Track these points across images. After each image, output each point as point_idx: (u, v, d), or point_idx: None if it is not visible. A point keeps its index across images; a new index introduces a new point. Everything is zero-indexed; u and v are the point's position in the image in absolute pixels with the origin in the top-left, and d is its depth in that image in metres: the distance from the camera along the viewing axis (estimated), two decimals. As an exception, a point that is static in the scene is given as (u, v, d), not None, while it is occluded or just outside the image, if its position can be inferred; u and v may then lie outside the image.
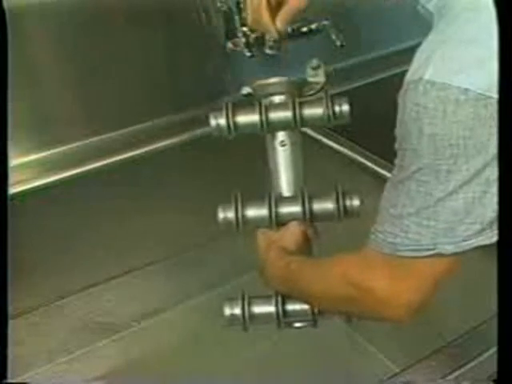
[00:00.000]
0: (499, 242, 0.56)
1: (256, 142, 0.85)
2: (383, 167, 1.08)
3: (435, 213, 0.59)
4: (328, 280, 0.70)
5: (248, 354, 1.18)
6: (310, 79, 0.84)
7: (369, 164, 1.11)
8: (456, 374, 0.70)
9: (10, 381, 0.59)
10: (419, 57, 0.59)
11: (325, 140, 1.19)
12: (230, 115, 0.79)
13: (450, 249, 0.59)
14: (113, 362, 1.26)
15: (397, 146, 0.62)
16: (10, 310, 0.58)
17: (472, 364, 0.71)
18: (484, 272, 0.68)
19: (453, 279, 0.63)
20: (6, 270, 0.57)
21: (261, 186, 0.84)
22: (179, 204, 1.26)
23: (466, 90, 0.54)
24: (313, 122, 0.81)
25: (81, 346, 1.26)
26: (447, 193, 0.58)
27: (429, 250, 0.60)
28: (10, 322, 0.58)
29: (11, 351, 0.57)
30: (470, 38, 0.56)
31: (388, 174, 1.04)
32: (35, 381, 1.20)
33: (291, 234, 0.80)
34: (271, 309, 0.79)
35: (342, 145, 1.17)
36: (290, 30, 1.19)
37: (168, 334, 1.30)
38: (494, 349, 0.67)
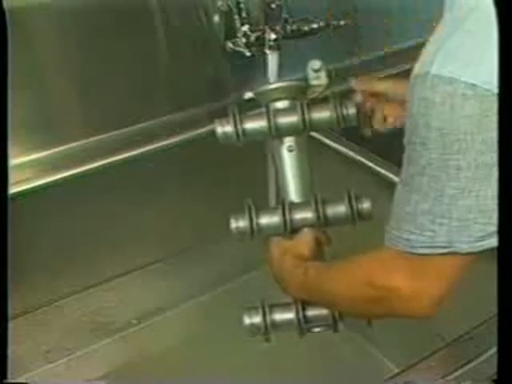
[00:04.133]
0: (499, 243, 0.56)
1: (255, 143, 0.85)
2: (388, 169, 1.07)
3: (448, 211, 0.58)
4: (349, 284, 0.70)
5: (248, 354, 1.18)
6: (313, 82, 0.83)
7: (372, 165, 1.11)
8: (456, 374, 0.70)
9: (10, 381, 0.59)
10: (428, 49, 0.59)
11: (329, 142, 1.19)
12: (238, 122, 0.79)
13: (465, 248, 0.59)
14: (113, 362, 1.26)
15: (405, 140, 0.61)
16: (10, 310, 0.58)
17: (472, 364, 0.71)
18: (484, 272, 0.68)
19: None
20: (6, 270, 0.57)
21: (261, 187, 0.84)
22: (179, 204, 1.26)
23: (473, 85, 0.53)
24: (321, 126, 0.81)
25: (81, 346, 1.26)
26: (459, 190, 0.57)
27: (444, 247, 0.59)
28: (10, 322, 0.58)
29: (11, 351, 0.57)
30: (476, 31, 0.55)
31: (391, 175, 1.05)
32: (35, 381, 1.20)
33: (305, 242, 0.80)
34: (291, 316, 0.79)
35: (346, 147, 1.17)
36: (289, 29, 1.19)
37: (168, 334, 1.30)
38: (494, 349, 0.67)
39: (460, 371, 0.70)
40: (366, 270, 0.67)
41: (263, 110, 0.79)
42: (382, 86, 0.83)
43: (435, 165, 0.58)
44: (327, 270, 0.75)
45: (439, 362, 0.72)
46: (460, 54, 0.56)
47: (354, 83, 0.80)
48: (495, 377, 0.56)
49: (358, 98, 0.85)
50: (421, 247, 0.61)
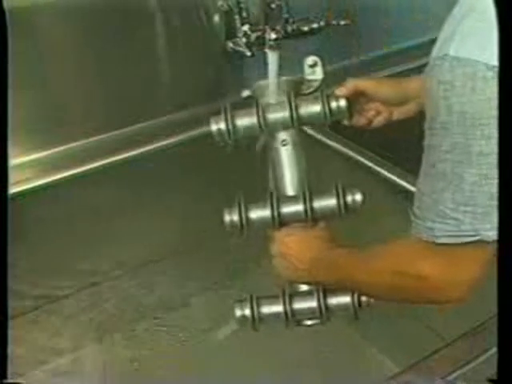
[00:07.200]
0: (499, 242, 0.56)
1: (255, 142, 0.85)
2: (387, 169, 1.07)
3: (471, 198, 0.57)
4: (378, 272, 0.69)
5: (249, 353, 1.18)
6: (308, 77, 0.83)
7: (372, 165, 1.11)
8: (456, 374, 0.70)
9: (9, 381, 0.59)
10: (445, 32, 0.58)
11: (329, 142, 1.19)
12: (229, 118, 0.79)
13: (491, 235, 0.58)
14: (112, 362, 1.25)
15: (427, 125, 0.61)
16: (10, 309, 0.58)
17: (472, 364, 0.71)
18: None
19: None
20: (6, 270, 0.57)
21: (261, 185, 0.84)
22: (179, 203, 1.26)
23: (494, 66, 0.52)
24: (311, 120, 0.81)
25: (80, 346, 1.26)
26: (481, 176, 0.56)
27: (470, 236, 0.58)
28: (10, 322, 0.58)
29: (11, 351, 0.57)
30: (492, 12, 0.53)
31: (391, 175, 1.05)
32: (34, 381, 1.20)
33: (323, 228, 0.80)
34: (279, 308, 0.80)
35: (346, 147, 1.17)
36: (289, 29, 1.19)
37: (167, 334, 1.30)
38: (494, 349, 0.67)
39: (460, 371, 0.70)
40: (394, 259, 0.67)
41: (254, 105, 0.80)
42: (363, 85, 0.83)
43: (457, 150, 0.57)
44: (357, 257, 0.74)
45: (439, 362, 0.72)
46: (477, 35, 0.55)
47: (338, 90, 0.81)
48: (495, 377, 0.56)
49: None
50: (444, 236, 0.60)
